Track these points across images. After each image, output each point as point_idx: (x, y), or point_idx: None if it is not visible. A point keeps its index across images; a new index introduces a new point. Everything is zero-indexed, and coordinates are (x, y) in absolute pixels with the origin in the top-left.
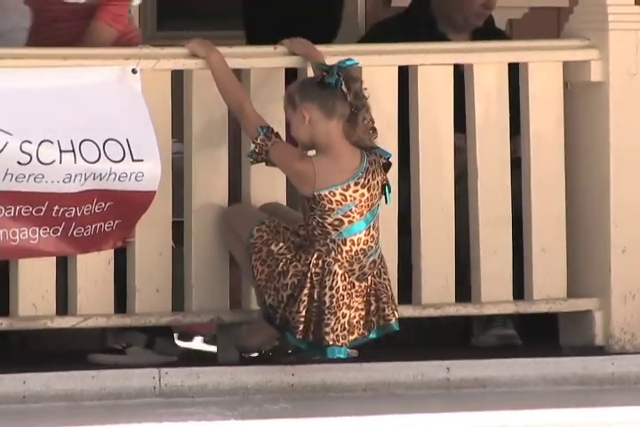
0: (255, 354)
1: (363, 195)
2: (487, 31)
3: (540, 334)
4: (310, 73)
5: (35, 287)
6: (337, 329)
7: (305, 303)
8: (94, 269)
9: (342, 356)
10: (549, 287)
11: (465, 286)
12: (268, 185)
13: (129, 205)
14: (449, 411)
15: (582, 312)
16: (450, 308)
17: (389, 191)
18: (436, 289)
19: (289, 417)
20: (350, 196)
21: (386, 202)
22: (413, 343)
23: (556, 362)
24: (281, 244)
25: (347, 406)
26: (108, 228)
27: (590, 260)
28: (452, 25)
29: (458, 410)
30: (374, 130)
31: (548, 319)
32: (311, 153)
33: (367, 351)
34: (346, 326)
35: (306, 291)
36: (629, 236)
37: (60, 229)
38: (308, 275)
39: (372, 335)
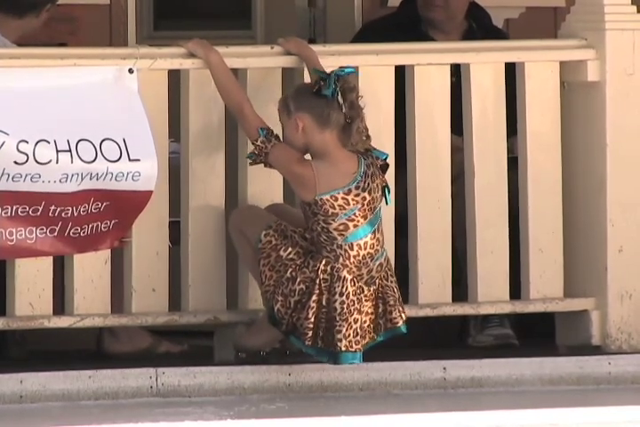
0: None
1: (364, 198)
2: (485, 30)
3: (536, 334)
4: (307, 74)
5: (31, 287)
6: (349, 335)
7: (314, 310)
8: (91, 269)
9: (357, 361)
10: (546, 287)
11: (462, 285)
12: (265, 185)
13: (126, 205)
14: (445, 411)
15: (579, 312)
16: (446, 307)
17: (389, 192)
18: (433, 289)
19: (286, 417)
20: (353, 199)
21: (386, 203)
22: (410, 343)
23: (552, 362)
24: (290, 249)
25: (343, 406)
26: (104, 228)
27: (587, 259)
28: (434, 26)
29: (454, 410)
30: (368, 137)
31: (544, 319)
32: (306, 157)
33: (364, 351)
34: (358, 331)
35: (314, 297)
36: (626, 235)
37: (57, 229)
38: (317, 281)
39: (380, 338)
